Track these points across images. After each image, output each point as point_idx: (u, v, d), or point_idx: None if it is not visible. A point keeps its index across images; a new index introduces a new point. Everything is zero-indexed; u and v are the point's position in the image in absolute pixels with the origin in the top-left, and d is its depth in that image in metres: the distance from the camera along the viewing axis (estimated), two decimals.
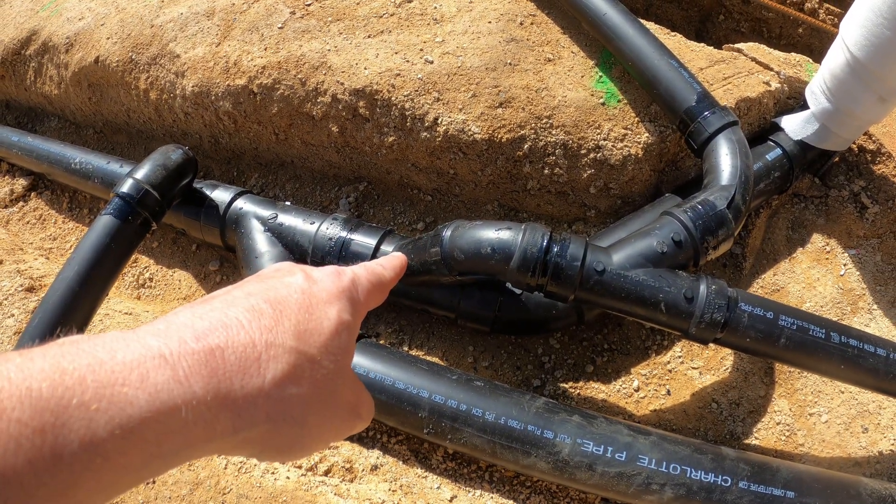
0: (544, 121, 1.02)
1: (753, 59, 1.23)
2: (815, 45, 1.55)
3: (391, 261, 0.52)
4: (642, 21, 1.23)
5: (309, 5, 1.24)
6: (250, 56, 1.21)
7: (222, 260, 1.24)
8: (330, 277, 0.41)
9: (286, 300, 0.36)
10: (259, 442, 0.33)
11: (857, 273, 1.24)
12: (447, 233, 0.91)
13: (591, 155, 1.02)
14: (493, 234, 0.86)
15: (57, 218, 1.46)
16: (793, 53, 1.30)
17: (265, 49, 1.20)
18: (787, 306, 0.94)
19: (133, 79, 1.37)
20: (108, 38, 1.42)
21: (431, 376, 0.93)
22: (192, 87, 1.26)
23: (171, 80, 1.31)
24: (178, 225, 1.25)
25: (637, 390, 1.03)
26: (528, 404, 0.92)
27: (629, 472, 0.91)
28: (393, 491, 0.91)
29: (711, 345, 1.04)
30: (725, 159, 0.97)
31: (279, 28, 1.22)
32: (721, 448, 0.99)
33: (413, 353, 1.04)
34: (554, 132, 1.02)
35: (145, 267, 1.31)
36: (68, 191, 1.48)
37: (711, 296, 0.86)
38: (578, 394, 1.01)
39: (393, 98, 1.06)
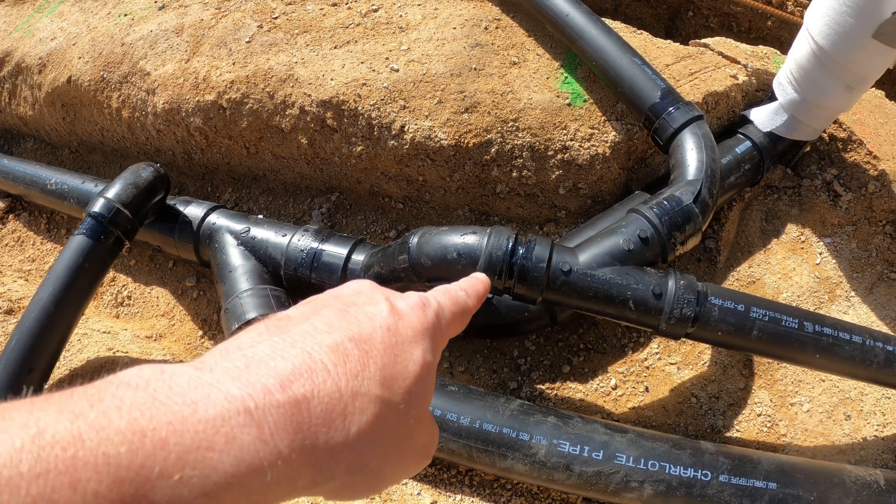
0: (510, 124, 1.02)
1: (720, 54, 1.24)
2: (785, 37, 1.56)
3: (475, 286, 0.47)
4: (607, 20, 1.24)
5: (276, 18, 1.25)
6: (219, 71, 1.21)
7: (199, 275, 1.24)
8: (415, 312, 0.38)
9: (371, 339, 0.34)
10: (332, 492, 0.31)
11: (833, 261, 1.24)
12: (414, 240, 0.91)
13: (559, 156, 1.03)
14: (459, 239, 0.87)
15: (35, 239, 1.45)
16: (760, 46, 1.31)
17: (233, 64, 1.20)
18: (759, 298, 0.94)
19: (105, 98, 1.37)
20: (80, 58, 1.42)
21: None
22: (163, 104, 1.26)
23: (143, 97, 1.31)
24: (153, 242, 1.24)
25: (615, 388, 1.03)
26: (502, 407, 0.92)
27: (607, 471, 0.91)
28: (372, 498, 0.90)
29: (689, 340, 1.04)
30: (691, 154, 0.98)
31: (247, 42, 1.22)
32: (700, 443, 0.99)
33: None
34: (520, 135, 1.02)
35: (123, 285, 1.31)
36: (46, 212, 1.48)
37: (680, 291, 0.87)
38: (556, 394, 1.01)
39: (359, 108, 1.06)
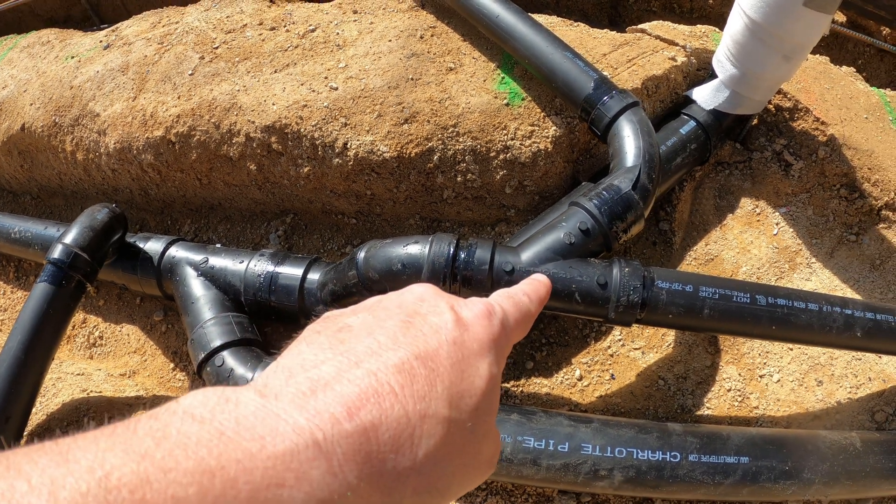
0: (450, 130, 1.04)
1: (658, 37, 1.25)
2: (727, 13, 1.56)
3: (537, 290, 0.46)
4: (542, 17, 1.25)
5: (217, 48, 1.26)
6: (165, 106, 1.22)
7: (166, 309, 1.25)
8: (481, 322, 0.37)
9: (437, 355, 0.33)
10: None
11: (791, 230, 1.25)
12: (361, 254, 0.92)
13: (501, 156, 1.04)
14: (402, 250, 0.88)
15: (5, 289, 1.46)
16: (698, 25, 1.32)
17: (178, 97, 1.22)
18: (707, 276, 0.95)
19: (59, 142, 1.38)
20: (32, 104, 1.43)
21: None
22: (114, 143, 1.27)
23: (95, 139, 1.32)
24: (118, 281, 1.25)
25: (580, 379, 1.04)
26: None
27: (574, 462, 0.92)
28: None
29: (642, 325, 1.05)
30: (628, 141, 0.99)
31: (190, 75, 1.24)
32: (667, 424, 1.00)
33: None
34: (461, 140, 1.03)
35: (94, 326, 1.32)
36: (13, 260, 1.49)
37: (625, 278, 0.88)
38: (521, 391, 1.02)
39: (302, 129, 1.07)
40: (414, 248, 0.87)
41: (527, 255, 0.86)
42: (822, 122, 1.27)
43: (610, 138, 1.01)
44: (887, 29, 1.74)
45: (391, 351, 0.32)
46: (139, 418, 0.25)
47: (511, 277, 0.85)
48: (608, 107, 1.00)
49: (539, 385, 1.03)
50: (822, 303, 1.02)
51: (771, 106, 1.30)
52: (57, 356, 1.35)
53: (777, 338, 1.01)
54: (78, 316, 1.36)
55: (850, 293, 1.24)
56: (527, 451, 0.91)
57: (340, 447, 0.27)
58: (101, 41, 1.49)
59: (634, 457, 0.94)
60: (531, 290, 0.45)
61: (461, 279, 0.84)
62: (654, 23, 1.28)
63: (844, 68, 1.40)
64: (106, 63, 1.39)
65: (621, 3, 1.53)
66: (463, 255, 0.85)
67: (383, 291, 0.93)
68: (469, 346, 0.34)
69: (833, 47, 1.70)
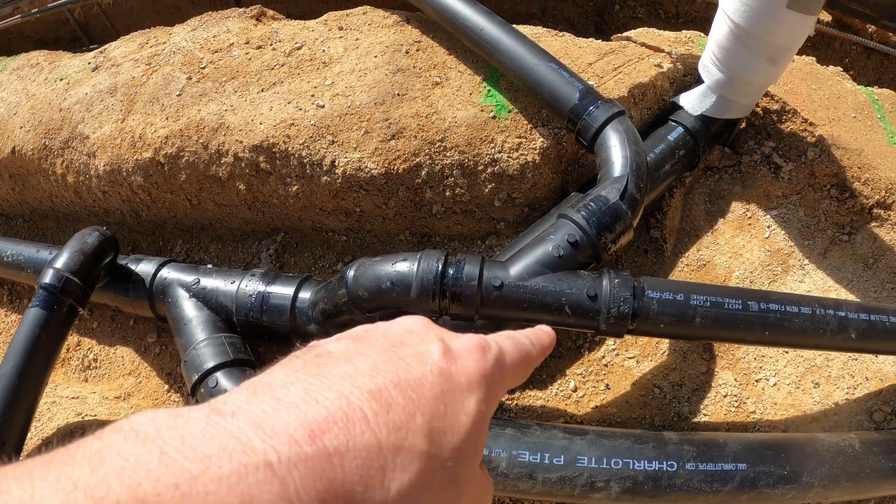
0: (437, 145, 1.04)
1: (643, 45, 1.26)
2: (713, 17, 1.57)
3: (539, 337, 0.43)
4: (527, 28, 1.26)
5: (204, 68, 1.26)
6: (154, 128, 1.22)
7: (159, 330, 1.25)
8: (472, 356, 0.34)
9: (420, 385, 0.30)
10: None
11: (783, 232, 1.25)
12: (351, 273, 0.92)
13: (489, 169, 1.04)
14: (391, 267, 0.88)
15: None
16: (684, 31, 1.32)
17: (167, 118, 1.22)
18: (698, 284, 0.95)
19: (49, 165, 1.38)
20: (22, 127, 1.44)
21: None
22: (104, 166, 1.27)
23: (85, 161, 1.32)
24: (110, 303, 1.25)
25: (575, 390, 1.04)
26: None
27: (570, 475, 0.91)
28: None
29: (634, 336, 1.04)
30: (615, 151, 0.99)
31: (178, 95, 1.24)
32: (663, 433, 0.99)
33: None
34: (449, 154, 1.04)
35: (88, 349, 1.31)
36: (6, 283, 1.49)
37: (615, 289, 0.88)
38: (516, 404, 1.02)
39: (290, 148, 1.07)
40: (402, 266, 0.87)
41: (515, 269, 0.86)
42: (811, 123, 1.27)
43: (597, 148, 1.01)
44: (873, 27, 1.74)
45: (368, 377, 0.29)
46: (84, 440, 0.23)
47: (500, 292, 0.85)
48: (594, 117, 1.00)
49: (534, 398, 1.02)
50: (815, 306, 1.01)
51: (759, 109, 1.30)
52: (52, 379, 1.35)
53: (771, 343, 1.01)
54: (72, 338, 1.36)
55: (844, 293, 1.24)
56: (522, 466, 0.90)
57: (298, 471, 0.24)
58: (89, 63, 1.49)
59: (631, 467, 0.93)
60: (533, 335, 0.43)
61: (450, 295, 0.84)
62: (640, 30, 1.28)
63: (831, 68, 1.40)
64: (94, 85, 1.39)
65: (607, 11, 1.54)
66: (451, 272, 0.85)
67: (374, 310, 0.93)
68: (456, 380, 0.32)
69: (819, 47, 1.71)
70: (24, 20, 2.23)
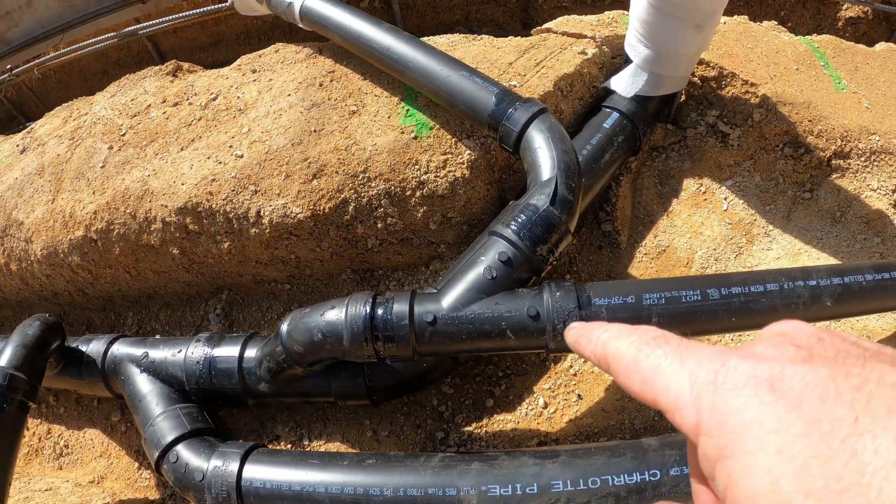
0: (361, 177, 1.00)
1: (564, 34, 1.21)
2: None
3: None
4: (439, 37, 1.21)
5: (124, 135, 1.23)
6: (82, 204, 1.19)
7: (123, 408, 1.22)
8: None
9: None
10: None
11: (741, 202, 1.20)
12: (284, 327, 0.88)
13: (418, 193, 1.00)
14: (321, 318, 0.83)
15: None
16: (606, 12, 1.27)
17: (93, 193, 1.18)
18: (650, 281, 0.90)
19: None
20: None
21: (323, 469, 0.90)
22: (41, 250, 1.24)
23: (24, 247, 1.29)
24: (69, 387, 1.22)
25: (546, 407, 0.99)
26: (423, 467, 0.88)
27: (547, 503, 0.87)
28: None
29: None
30: (541, 153, 0.94)
31: (101, 168, 1.21)
32: (641, 441, 0.94)
33: (314, 444, 1.01)
34: (374, 184, 1.00)
35: (59, 435, 1.28)
36: None
37: (558, 303, 0.83)
38: (485, 432, 0.97)
39: (214, 205, 1.04)
40: (331, 315, 0.83)
41: (448, 300, 0.82)
42: (752, 84, 1.22)
43: (522, 152, 0.96)
44: None
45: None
46: None
47: (435, 327, 0.80)
48: (514, 120, 0.96)
49: (503, 422, 0.98)
50: (781, 280, 0.96)
51: (696, 78, 1.25)
52: (27, 472, 1.32)
53: (741, 328, 0.96)
54: (42, 427, 1.33)
55: (814, 253, 1.18)
56: (494, 500, 0.86)
57: None
58: (17, 145, 1.46)
59: (611, 483, 0.89)
60: None
61: (383, 339, 0.80)
62: (560, 19, 1.24)
63: (766, 23, 1.35)
64: (23, 168, 1.36)
65: (531, 6, 1.49)
66: (381, 313, 0.80)
67: (313, 363, 0.90)
68: None
69: (752, 3, 1.65)
70: None
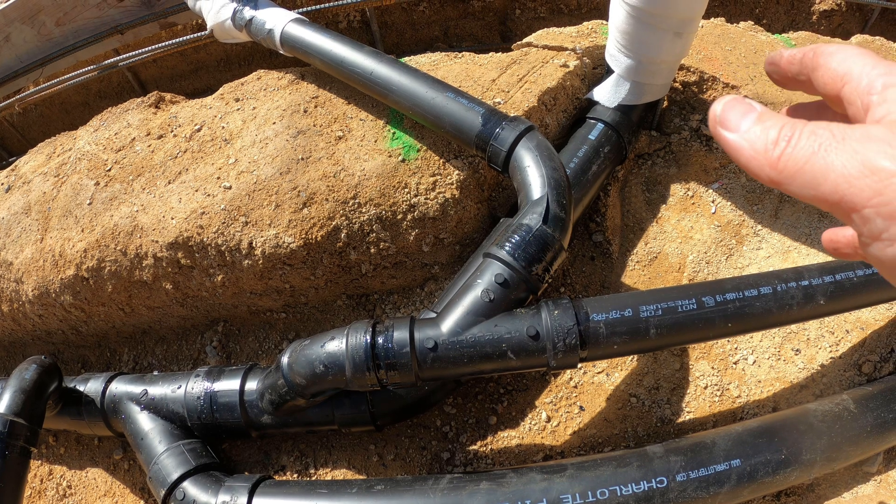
0: (351, 203, 1.00)
1: (545, 47, 1.22)
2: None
3: None
4: (421, 57, 1.22)
5: (110, 170, 1.22)
6: (71, 242, 1.18)
7: (124, 446, 1.21)
8: None
9: None
10: None
11: (729, 203, 1.21)
12: (285, 360, 0.88)
13: (409, 216, 1.00)
14: (321, 350, 0.83)
15: None
16: (585, 23, 1.28)
17: (82, 230, 1.17)
18: (646, 293, 0.91)
19: None
20: None
21: (332, 498, 0.90)
22: (32, 290, 1.23)
23: (14, 288, 1.28)
24: (69, 428, 1.21)
25: (549, 420, 1.00)
26: (432, 490, 0.88)
27: None
28: None
29: (590, 363, 0.98)
30: (530, 171, 0.94)
31: (89, 205, 1.20)
32: (646, 449, 0.95)
33: (320, 473, 1.00)
34: (364, 210, 1.00)
35: (61, 476, 1.27)
36: None
37: (556, 321, 0.83)
38: (490, 449, 0.98)
39: (205, 239, 1.03)
40: (332, 346, 0.83)
41: (447, 324, 0.82)
42: (733, 87, 1.23)
43: (512, 171, 0.97)
44: None
45: None
46: None
47: (437, 353, 0.81)
48: (502, 139, 0.96)
49: (507, 438, 0.98)
50: (774, 283, 0.97)
51: (677, 84, 1.26)
52: None
53: (738, 332, 0.97)
54: (44, 468, 1.32)
55: (804, 250, 1.20)
56: None
57: None
58: (2, 184, 1.45)
59: (620, 493, 0.89)
60: None
61: (386, 367, 0.80)
62: (539, 32, 1.24)
63: (743, 24, 1.36)
64: (9, 207, 1.35)
65: (509, 18, 1.49)
66: (381, 342, 0.81)
67: (316, 394, 0.89)
68: None
69: (727, 3, 1.67)
70: None
